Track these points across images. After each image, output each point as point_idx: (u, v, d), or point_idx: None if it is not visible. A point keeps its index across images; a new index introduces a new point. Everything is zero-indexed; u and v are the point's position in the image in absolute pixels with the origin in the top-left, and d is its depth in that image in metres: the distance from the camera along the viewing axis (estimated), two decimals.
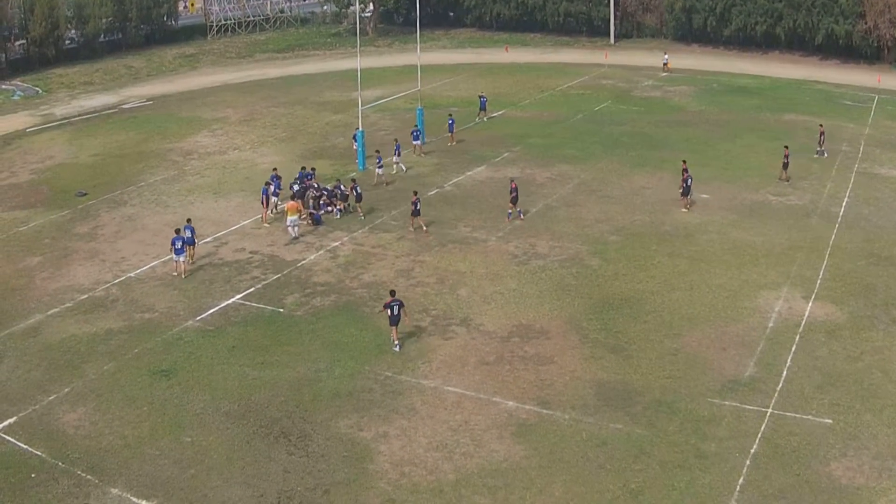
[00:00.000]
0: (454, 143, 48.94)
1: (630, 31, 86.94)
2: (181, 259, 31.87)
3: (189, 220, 33.87)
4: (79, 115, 59.25)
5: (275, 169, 40.55)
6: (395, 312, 26.04)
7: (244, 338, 27.49)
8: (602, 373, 25.17)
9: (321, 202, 37.88)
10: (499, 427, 22.70)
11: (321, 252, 34.13)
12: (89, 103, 62.92)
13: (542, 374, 25.06)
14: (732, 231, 35.80)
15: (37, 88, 69.00)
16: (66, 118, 58.60)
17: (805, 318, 28.32)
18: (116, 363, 26.17)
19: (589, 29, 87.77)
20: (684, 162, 39.45)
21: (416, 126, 48.19)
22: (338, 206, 37.68)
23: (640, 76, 68.97)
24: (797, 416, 22.96)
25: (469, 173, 43.76)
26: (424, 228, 35.82)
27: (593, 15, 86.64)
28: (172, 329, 28.21)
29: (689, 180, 37.90)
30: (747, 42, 79.38)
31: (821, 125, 47.82)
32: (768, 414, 23.06)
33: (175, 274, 32.03)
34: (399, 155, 43.63)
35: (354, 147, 45.50)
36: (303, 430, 22.67)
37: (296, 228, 35.32)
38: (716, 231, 35.76)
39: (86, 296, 30.86)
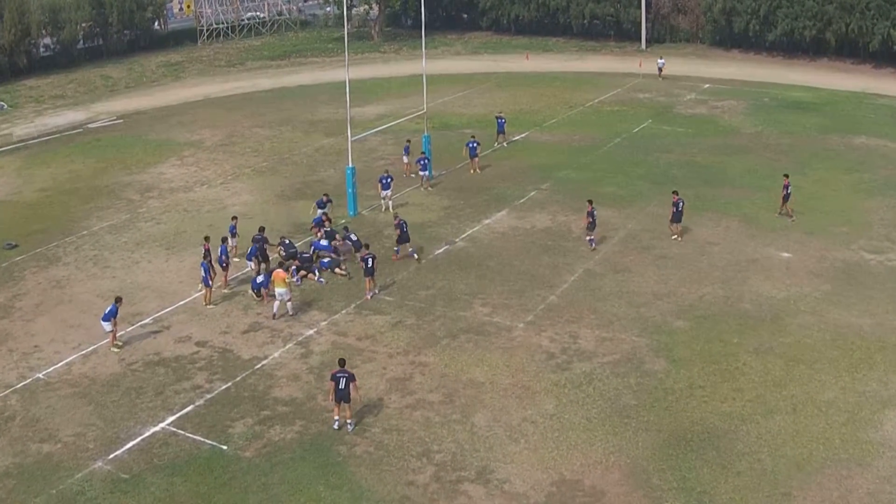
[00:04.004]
0: (477, 171, 41.29)
1: (662, 36, 78.98)
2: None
3: (223, 240, 29.61)
4: (38, 137, 51.93)
5: (234, 218, 32.61)
6: (343, 387, 21.17)
7: (167, 498, 19.23)
8: None
9: (293, 267, 29.64)
10: None
11: (289, 345, 25.60)
12: (54, 121, 55.60)
13: None
14: (830, 310, 27.40)
15: (2, 103, 61.70)
16: (23, 140, 51.29)
17: None
18: None
19: (617, 33, 79.88)
20: (675, 193, 33.00)
21: (424, 153, 40.08)
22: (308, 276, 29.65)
23: (681, 88, 60.50)
24: None
25: (487, 221, 35.30)
26: (368, 296, 28.47)
27: (622, 17, 78.68)
28: (74, 475, 20.10)
29: (681, 204, 32.90)
30: (793, 48, 71.64)
31: None
32: None
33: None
34: (323, 214, 33.73)
35: (405, 161, 40.75)
36: None
37: (288, 304, 27.22)
38: (809, 310, 27.35)
39: None
